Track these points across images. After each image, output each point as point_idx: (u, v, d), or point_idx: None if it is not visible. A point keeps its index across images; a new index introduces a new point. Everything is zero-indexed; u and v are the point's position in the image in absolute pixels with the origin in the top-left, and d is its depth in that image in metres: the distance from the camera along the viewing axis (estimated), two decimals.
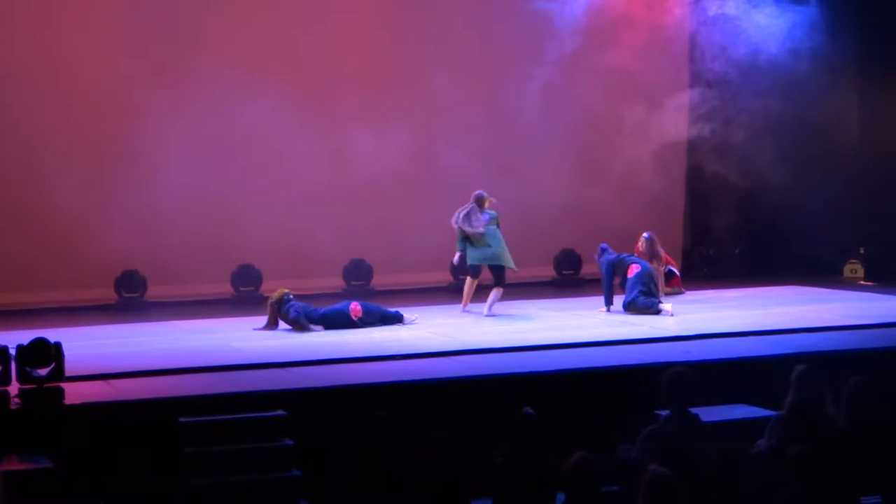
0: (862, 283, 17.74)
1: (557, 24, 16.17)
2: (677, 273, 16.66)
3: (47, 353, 10.23)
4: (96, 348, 12.68)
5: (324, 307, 14.12)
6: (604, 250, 15.04)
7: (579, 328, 13.69)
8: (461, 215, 14.70)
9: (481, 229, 14.66)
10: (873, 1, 17.82)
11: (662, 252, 16.05)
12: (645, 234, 15.94)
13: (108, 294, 16.60)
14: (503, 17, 17.63)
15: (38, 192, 16.26)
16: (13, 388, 10.16)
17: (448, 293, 17.33)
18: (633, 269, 14.74)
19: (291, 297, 13.88)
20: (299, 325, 13.68)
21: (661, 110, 17.06)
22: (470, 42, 17.75)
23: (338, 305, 14.22)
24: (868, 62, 17.88)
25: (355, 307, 14.10)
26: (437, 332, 13.56)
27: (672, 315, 14.21)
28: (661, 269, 15.89)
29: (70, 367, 10.44)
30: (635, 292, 14.57)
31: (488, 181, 16.50)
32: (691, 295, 16.32)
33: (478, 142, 17.69)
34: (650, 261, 15.49)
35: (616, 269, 14.86)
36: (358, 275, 17.59)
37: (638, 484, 6.87)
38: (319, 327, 13.79)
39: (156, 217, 16.36)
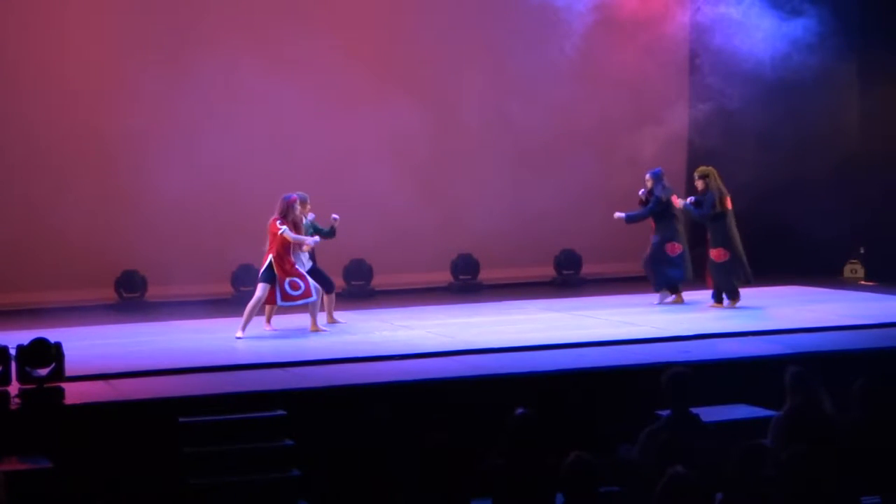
0: (862, 283, 17.73)
1: (561, 28, 16.17)
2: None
3: (47, 353, 10.23)
4: (96, 348, 12.68)
5: None
6: None
7: (579, 328, 13.69)
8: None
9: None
10: (873, 4, 17.82)
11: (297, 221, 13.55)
12: (298, 194, 13.74)
13: (108, 294, 16.61)
14: (506, 21, 17.65)
15: (38, 192, 16.27)
16: (13, 388, 10.16)
17: (448, 293, 17.33)
18: None
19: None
20: None
21: (661, 111, 17.04)
22: (475, 46, 17.83)
23: None
24: (868, 63, 17.86)
25: None
26: (437, 332, 13.56)
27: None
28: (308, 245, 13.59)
29: (70, 367, 10.44)
30: None
31: (489, 181, 16.52)
32: (691, 295, 16.29)
33: (479, 143, 17.69)
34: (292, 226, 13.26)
35: None
36: (358, 275, 17.57)
37: (639, 484, 6.84)
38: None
39: (156, 217, 16.35)
